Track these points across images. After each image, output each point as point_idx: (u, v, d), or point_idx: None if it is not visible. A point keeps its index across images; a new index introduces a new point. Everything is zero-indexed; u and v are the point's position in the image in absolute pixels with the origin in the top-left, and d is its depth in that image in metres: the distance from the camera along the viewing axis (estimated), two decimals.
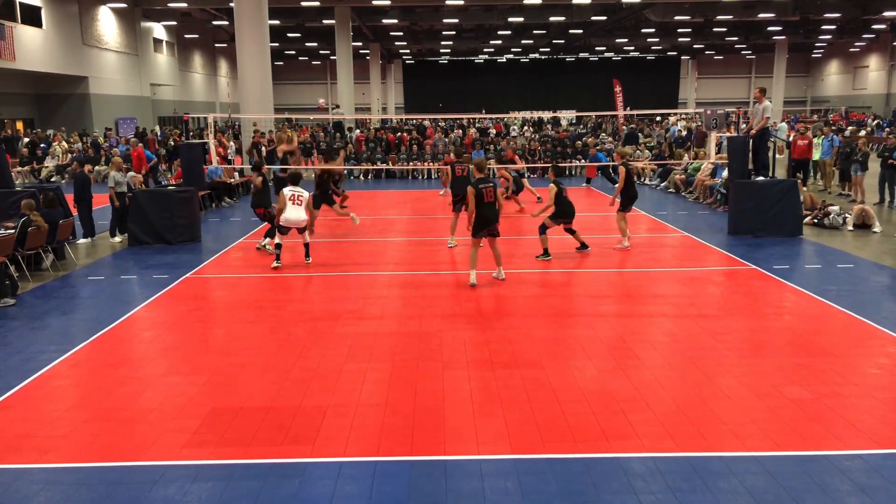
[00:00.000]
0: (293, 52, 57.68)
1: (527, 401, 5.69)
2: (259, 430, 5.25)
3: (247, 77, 21.83)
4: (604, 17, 40.60)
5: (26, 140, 25.33)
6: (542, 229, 10.84)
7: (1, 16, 25.48)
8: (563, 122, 36.35)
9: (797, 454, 4.81)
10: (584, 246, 11.28)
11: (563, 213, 10.79)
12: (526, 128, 32.99)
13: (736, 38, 50.70)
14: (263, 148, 21.57)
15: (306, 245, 10.82)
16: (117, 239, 12.80)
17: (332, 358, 6.73)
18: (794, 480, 4.48)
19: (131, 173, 15.29)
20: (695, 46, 57.18)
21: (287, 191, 10.41)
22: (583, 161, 23.85)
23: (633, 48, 57.72)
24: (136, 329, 7.86)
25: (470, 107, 52.06)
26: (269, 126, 24.18)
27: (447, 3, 35.32)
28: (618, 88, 42.17)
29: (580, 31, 46.62)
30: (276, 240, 10.76)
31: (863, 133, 27.69)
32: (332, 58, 49.06)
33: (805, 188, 17.01)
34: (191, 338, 7.50)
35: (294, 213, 10.36)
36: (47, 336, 7.57)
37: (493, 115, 35.07)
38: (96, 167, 21.11)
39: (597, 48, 57.24)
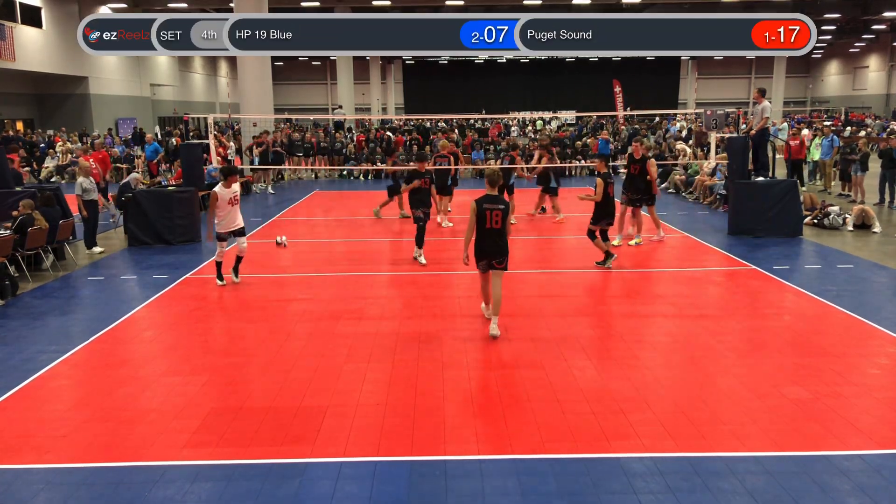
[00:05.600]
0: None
1: (527, 401, 5.69)
2: (259, 430, 5.25)
3: (247, 77, 21.86)
4: None
5: (24, 141, 25.27)
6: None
7: (1, 16, 25.50)
8: (553, 124, 35.81)
9: (797, 454, 4.81)
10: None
11: None
12: (529, 127, 32.89)
13: None
14: (266, 147, 21.55)
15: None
16: (97, 249, 11.99)
17: (332, 358, 6.73)
18: (794, 480, 4.48)
19: (133, 174, 15.28)
20: None
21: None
22: (583, 161, 23.87)
23: None
24: (136, 329, 7.85)
25: (470, 107, 52.06)
26: (270, 126, 24.19)
27: (447, 3, 35.33)
28: (617, 89, 42.15)
29: None
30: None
31: (863, 133, 27.70)
32: (332, 58, 49.08)
33: (804, 188, 17.03)
34: (191, 338, 7.50)
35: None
36: (47, 336, 7.57)
37: (493, 116, 35.06)
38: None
39: None
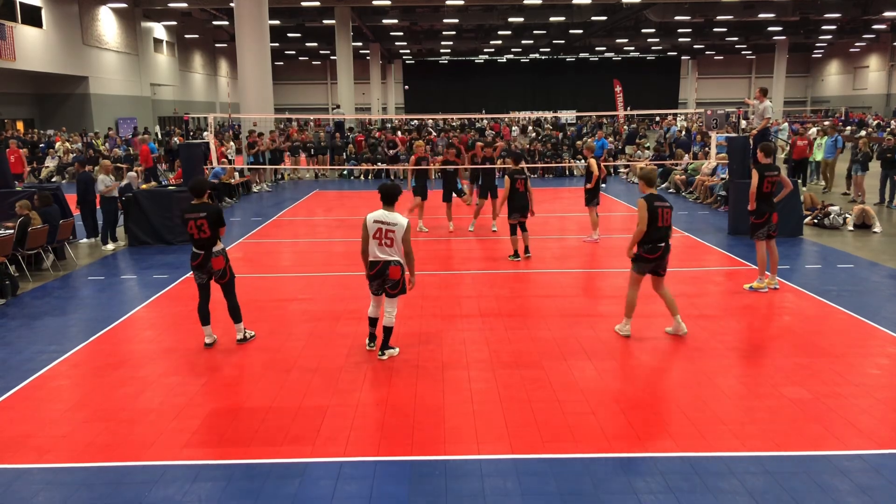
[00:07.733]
0: (293, 52, 57.72)
1: (527, 401, 5.69)
2: (259, 430, 5.25)
3: (247, 77, 21.83)
4: (604, 18, 40.63)
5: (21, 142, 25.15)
6: None
7: (1, 16, 25.49)
8: (524, 130, 34.98)
9: (797, 454, 4.81)
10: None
11: None
12: (531, 127, 32.74)
13: (736, 39, 50.76)
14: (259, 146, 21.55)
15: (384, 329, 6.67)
16: (110, 246, 12.19)
17: (332, 358, 6.73)
18: (794, 480, 4.48)
19: (132, 174, 15.28)
20: (695, 46, 57.22)
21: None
22: (583, 161, 23.85)
23: (633, 48, 57.76)
24: (136, 329, 7.85)
25: (470, 107, 52.11)
26: (270, 126, 24.18)
27: (447, 3, 35.32)
28: (618, 89, 42.21)
29: (580, 32, 46.65)
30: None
31: (863, 133, 27.71)
32: (332, 58, 49.14)
33: (804, 188, 17.02)
34: (191, 338, 7.49)
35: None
36: (47, 336, 7.56)
37: (493, 116, 35.06)
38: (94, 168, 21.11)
39: (597, 48, 57.28)
